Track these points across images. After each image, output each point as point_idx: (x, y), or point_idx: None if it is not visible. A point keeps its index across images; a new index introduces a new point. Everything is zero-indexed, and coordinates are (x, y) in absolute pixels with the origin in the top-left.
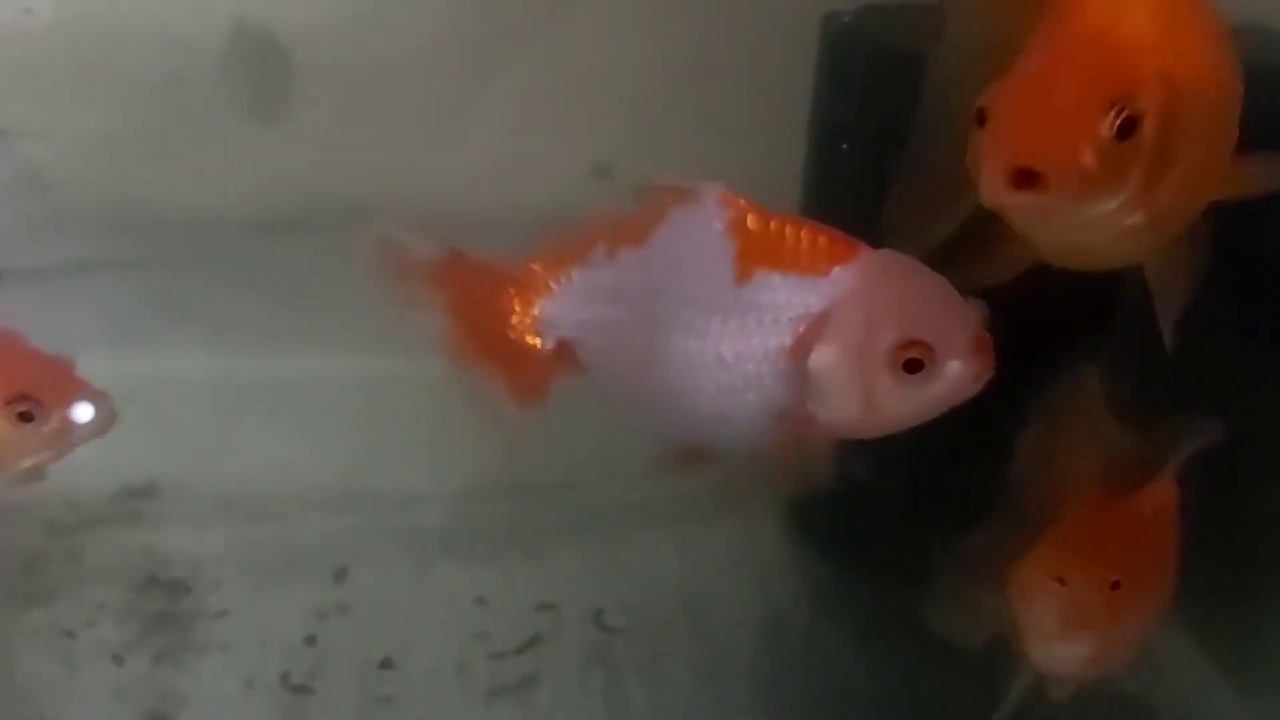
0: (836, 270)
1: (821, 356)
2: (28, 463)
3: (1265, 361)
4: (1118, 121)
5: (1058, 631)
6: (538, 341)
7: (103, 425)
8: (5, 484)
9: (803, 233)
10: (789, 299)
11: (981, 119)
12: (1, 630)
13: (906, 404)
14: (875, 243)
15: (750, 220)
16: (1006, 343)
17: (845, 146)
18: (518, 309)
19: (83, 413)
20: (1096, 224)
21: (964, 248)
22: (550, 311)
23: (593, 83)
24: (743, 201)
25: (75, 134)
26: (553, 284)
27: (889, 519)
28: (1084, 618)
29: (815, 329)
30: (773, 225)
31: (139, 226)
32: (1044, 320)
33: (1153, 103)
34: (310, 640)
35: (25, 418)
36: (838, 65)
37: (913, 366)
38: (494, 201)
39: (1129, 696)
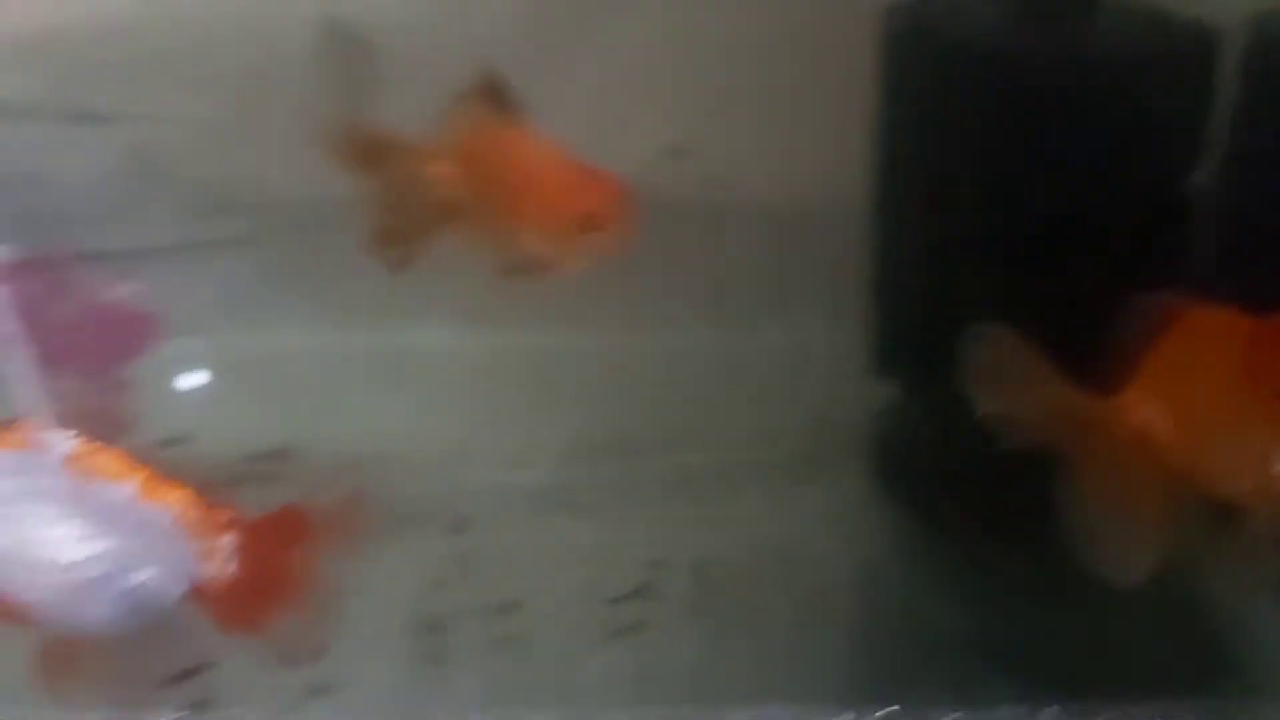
0: None
1: None
2: None
3: None
4: None
5: None
6: None
7: None
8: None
9: None
10: None
11: None
12: None
13: None
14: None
15: None
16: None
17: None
18: None
19: None
20: None
21: None
22: None
23: (666, 67)
24: None
25: (177, 119)
26: None
27: (976, 476)
28: None
29: None
30: None
31: (243, 207)
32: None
33: None
34: (439, 584)
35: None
36: (900, 52)
37: None
38: None
39: None
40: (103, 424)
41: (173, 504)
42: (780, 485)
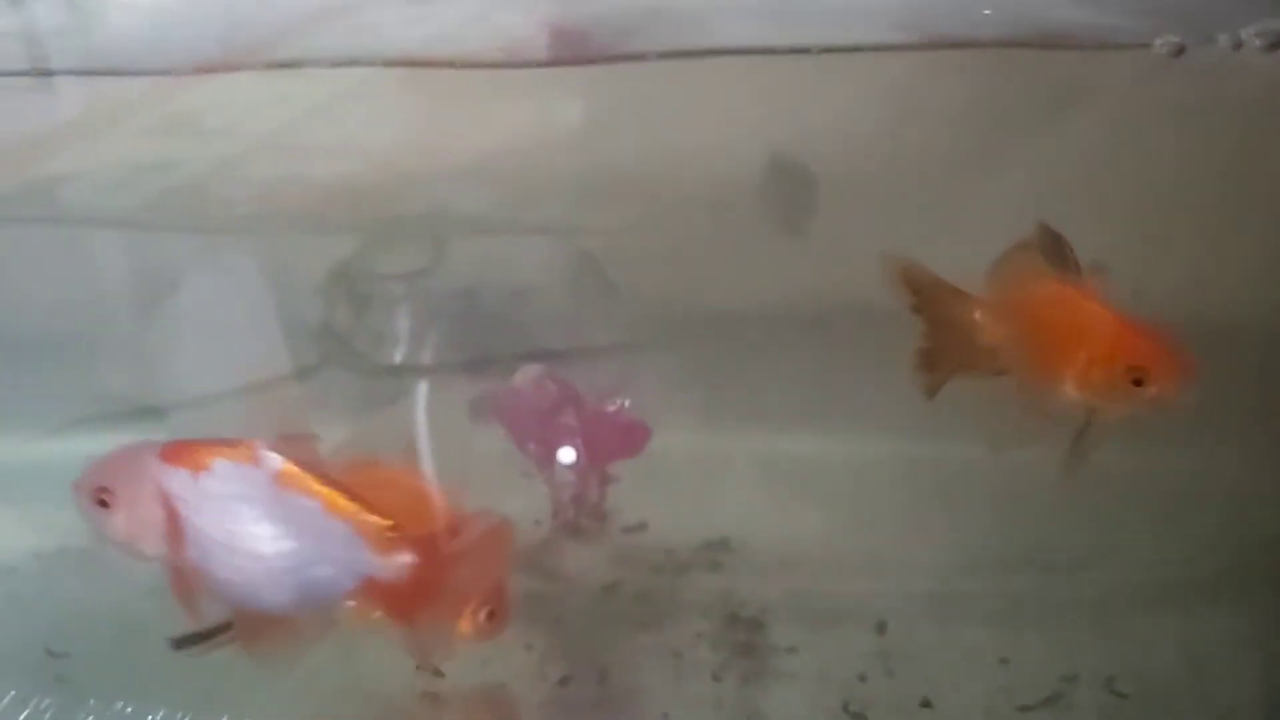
0: None
1: None
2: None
3: None
4: None
5: None
6: None
7: None
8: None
9: None
10: None
11: None
12: (628, 646)
13: None
14: None
15: None
16: None
17: None
18: None
19: None
20: None
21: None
22: None
23: (1089, 184)
24: None
25: (633, 236)
26: None
27: None
28: None
29: None
30: None
31: (683, 317)
32: None
33: None
34: (862, 677)
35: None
36: None
37: None
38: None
39: None
40: (585, 510)
41: (349, 517)
42: (1197, 605)
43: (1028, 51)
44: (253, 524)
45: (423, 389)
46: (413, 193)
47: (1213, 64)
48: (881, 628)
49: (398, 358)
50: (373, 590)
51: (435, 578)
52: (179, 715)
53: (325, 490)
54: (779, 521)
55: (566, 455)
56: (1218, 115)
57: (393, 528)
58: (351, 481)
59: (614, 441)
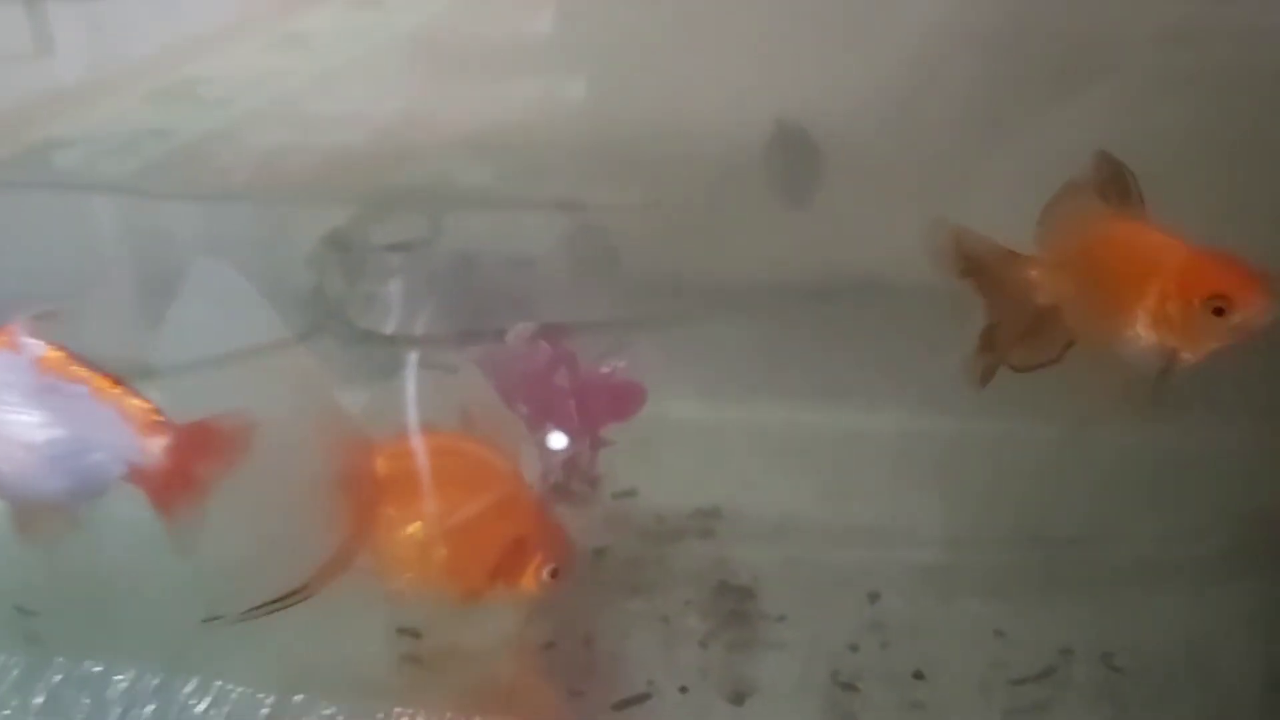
0: None
1: None
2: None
3: None
4: None
5: None
6: None
7: None
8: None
9: None
10: None
11: None
12: (615, 611)
13: None
14: None
15: None
16: None
17: None
18: None
19: None
20: None
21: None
22: None
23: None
24: None
25: (636, 207)
26: None
27: None
28: None
29: None
30: None
31: (686, 289)
32: None
33: None
34: (854, 647)
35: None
36: None
37: None
38: None
39: None
40: (576, 474)
41: (117, 404)
42: (1199, 583)
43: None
44: (20, 411)
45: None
46: (413, 163)
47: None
48: (874, 598)
49: (391, 327)
50: (138, 477)
51: (194, 467)
52: (148, 676)
53: (90, 375)
54: (773, 490)
55: (558, 440)
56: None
57: (155, 410)
58: (411, 449)
59: (608, 404)
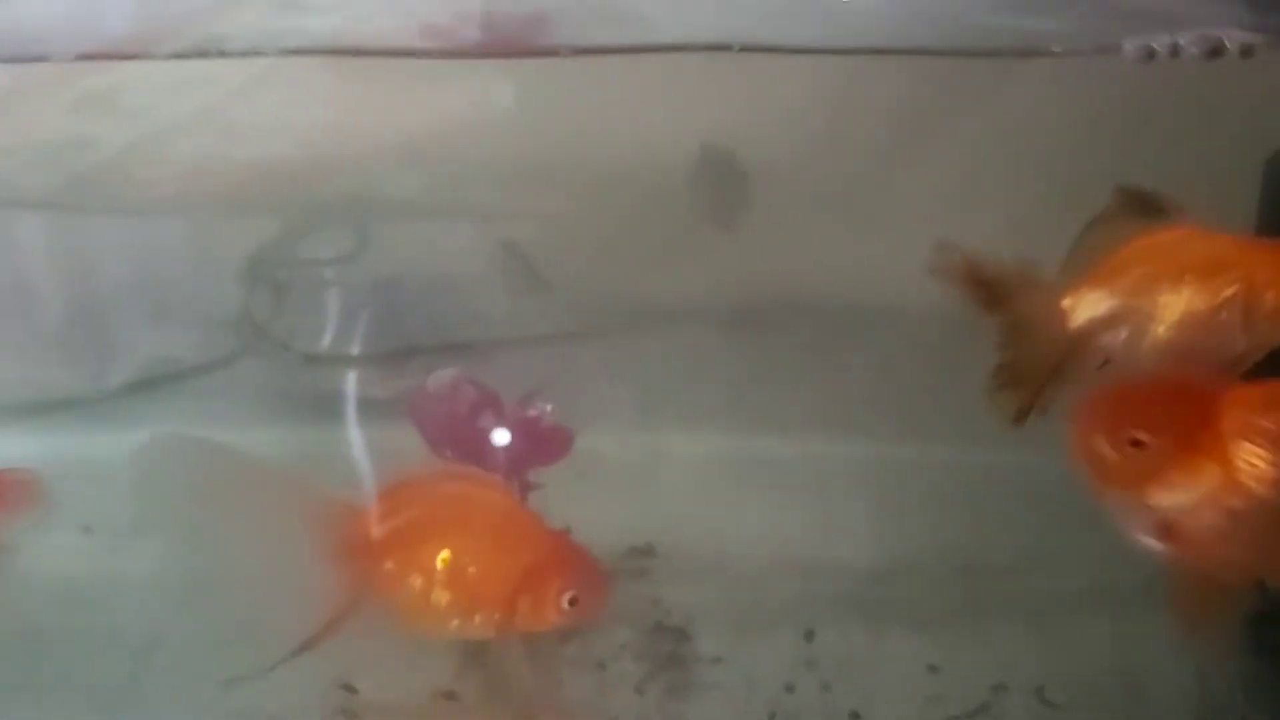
0: None
1: None
2: None
3: None
4: None
5: None
6: None
7: None
8: None
9: None
10: None
11: None
12: (550, 658)
13: None
14: None
15: None
16: None
17: None
18: None
19: None
20: None
21: None
22: None
23: (1027, 184)
24: None
25: (562, 225)
26: None
27: None
28: None
29: None
30: None
31: (613, 310)
32: None
33: None
34: (789, 687)
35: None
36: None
37: None
38: (918, 292)
39: None
40: None
41: None
42: (1128, 610)
43: (958, 57)
44: None
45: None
46: (338, 176)
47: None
48: (810, 635)
49: (319, 347)
50: None
51: None
52: None
53: None
54: (706, 524)
55: None
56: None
57: None
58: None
59: (535, 448)
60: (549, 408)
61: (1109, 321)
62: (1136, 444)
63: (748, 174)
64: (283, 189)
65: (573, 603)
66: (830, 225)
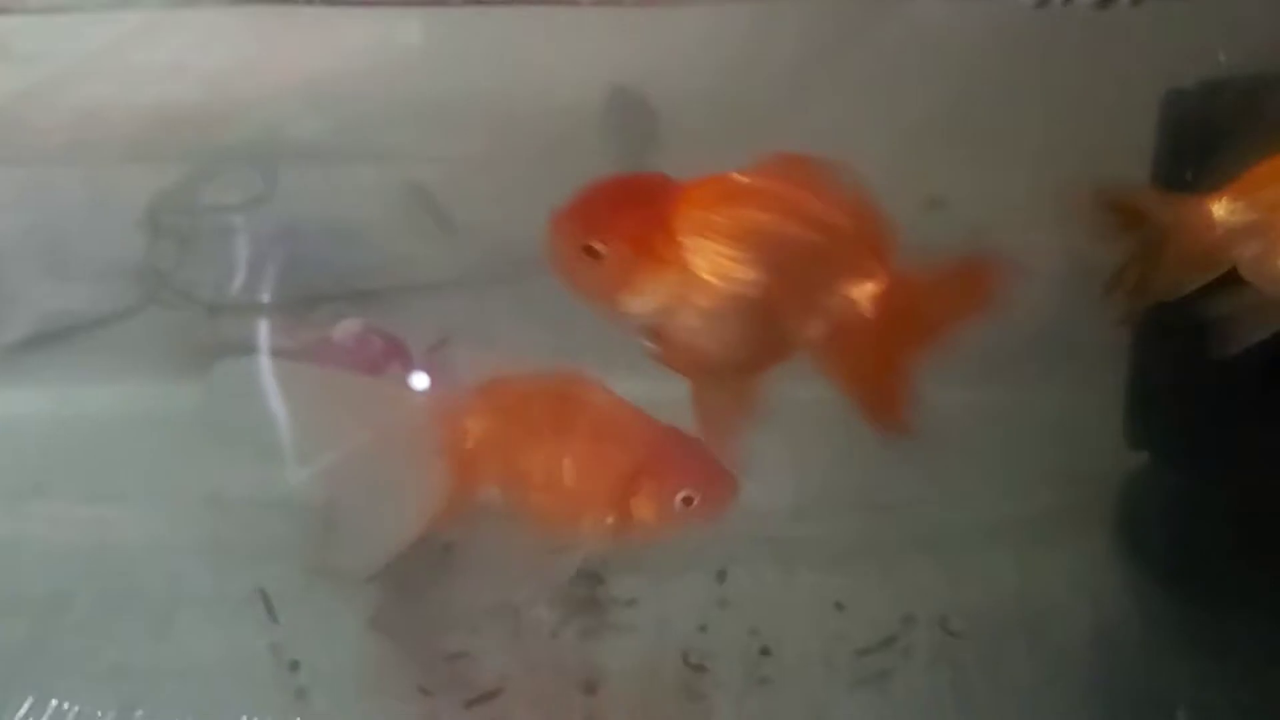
0: None
1: None
2: None
3: None
4: None
5: None
6: None
7: None
8: None
9: None
10: None
11: None
12: (465, 606)
13: None
14: None
15: None
16: None
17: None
18: None
19: None
20: None
21: None
22: None
23: (928, 119)
24: None
25: (471, 168)
26: None
27: (1221, 544)
28: None
29: None
30: None
31: (515, 251)
32: None
33: None
34: (702, 628)
35: None
36: (1178, 138)
37: None
38: None
39: None
40: None
41: None
42: (1029, 543)
43: None
44: None
45: None
46: (241, 120)
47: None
48: (721, 576)
49: (225, 297)
50: None
51: None
52: None
53: None
54: None
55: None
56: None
57: None
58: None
59: None
60: (459, 355)
61: (1245, 233)
62: (592, 253)
63: (657, 114)
64: (184, 134)
65: (688, 502)
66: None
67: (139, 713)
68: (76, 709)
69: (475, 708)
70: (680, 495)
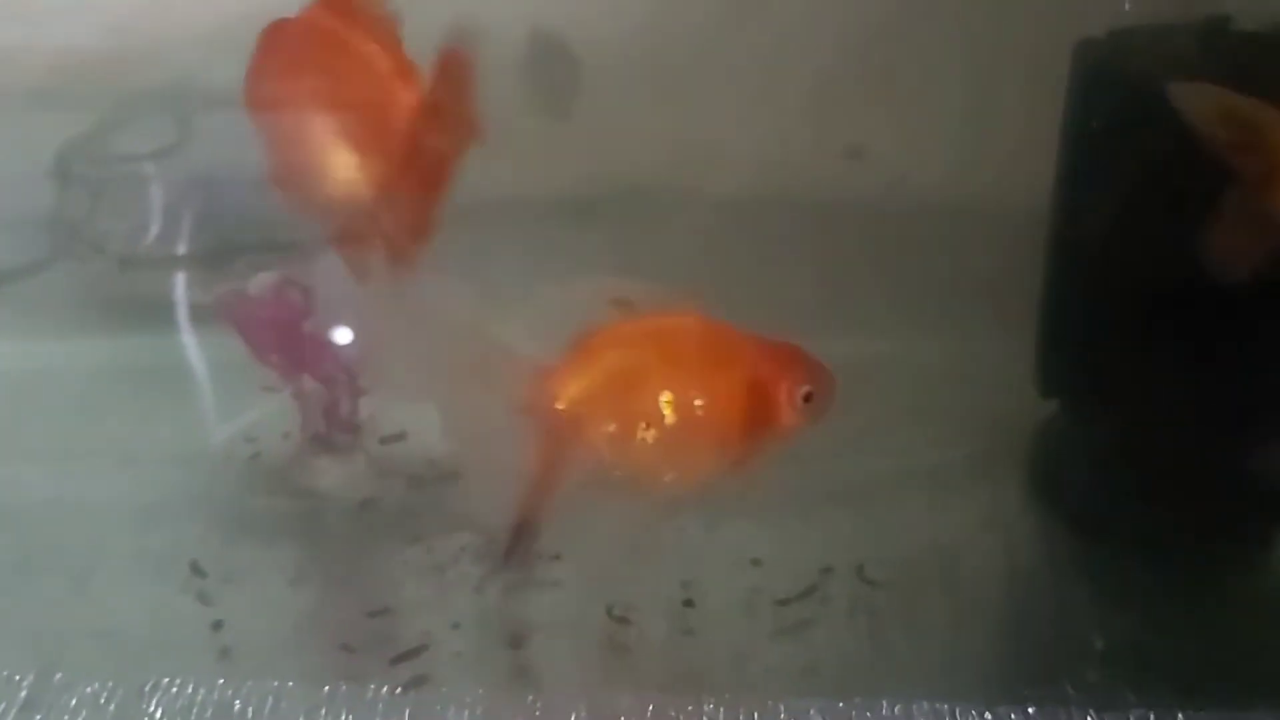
0: None
1: None
2: None
3: None
4: None
5: None
6: None
7: None
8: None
9: None
10: None
11: None
12: (388, 562)
13: None
14: None
15: None
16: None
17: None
18: None
19: None
20: None
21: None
22: None
23: (847, 69)
24: None
25: None
26: None
27: (1128, 489)
28: None
29: None
30: None
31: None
32: None
33: None
34: (626, 581)
35: None
36: (1089, 86)
37: None
38: (756, 183)
39: None
40: (336, 423)
41: None
42: (943, 490)
43: None
44: None
45: None
46: (153, 64)
47: None
48: (644, 530)
49: (138, 249)
50: None
51: None
52: None
53: None
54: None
55: None
56: None
57: None
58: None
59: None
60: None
61: None
62: None
63: (579, 61)
64: (94, 79)
65: (808, 399)
66: (664, 111)
67: (58, 675)
68: None
69: (400, 665)
70: (801, 392)
